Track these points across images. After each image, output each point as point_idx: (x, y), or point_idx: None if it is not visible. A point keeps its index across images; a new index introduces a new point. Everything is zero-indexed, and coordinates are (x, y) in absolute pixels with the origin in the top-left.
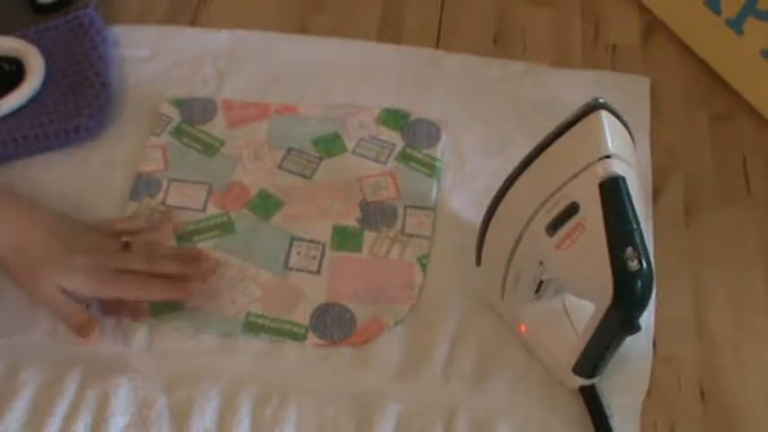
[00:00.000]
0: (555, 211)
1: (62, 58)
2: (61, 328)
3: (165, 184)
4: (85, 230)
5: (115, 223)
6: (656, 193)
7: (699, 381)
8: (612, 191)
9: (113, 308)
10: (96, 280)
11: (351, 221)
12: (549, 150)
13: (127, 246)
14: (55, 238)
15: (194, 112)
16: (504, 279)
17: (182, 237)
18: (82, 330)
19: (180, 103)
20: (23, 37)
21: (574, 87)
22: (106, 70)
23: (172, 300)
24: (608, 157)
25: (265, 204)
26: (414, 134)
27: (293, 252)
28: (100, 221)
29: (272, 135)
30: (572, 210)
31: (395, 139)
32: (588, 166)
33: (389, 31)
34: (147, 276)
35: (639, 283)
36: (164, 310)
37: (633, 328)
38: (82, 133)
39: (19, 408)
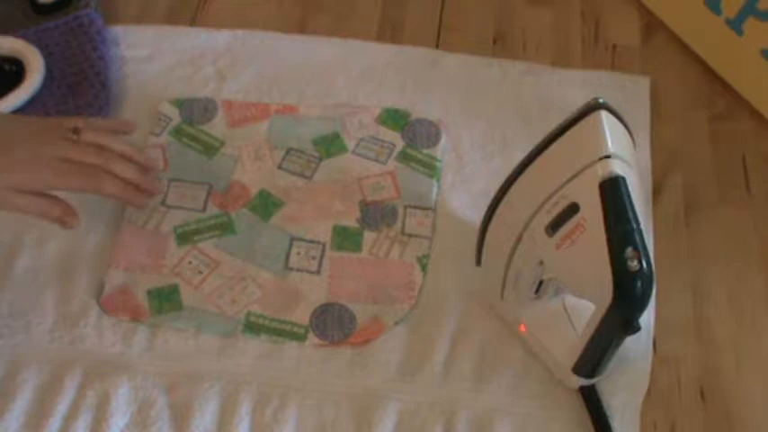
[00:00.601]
0: (555, 211)
1: (62, 58)
2: (61, 328)
3: (165, 184)
4: (27, 119)
5: (70, 120)
6: (656, 193)
7: (699, 381)
8: (612, 191)
9: (113, 308)
10: (41, 171)
11: (351, 221)
12: (549, 150)
13: (77, 131)
14: None
15: (194, 112)
16: (504, 279)
17: (182, 237)
18: (63, 222)
19: (180, 103)
20: (24, 37)
21: (574, 87)
22: (106, 70)
23: (122, 200)
24: (608, 157)
25: (265, 204)
26: (414, 134)
27: (293, 252)
28: (50, 118)
29: (272, 135)
30: (572, 210)
31: (395, 139)
32: (588, 166)
33: (389, 31)
34: (98, 169)
35: (639, 283)
36: (164, 309)
37: (633, 328)
38: None
39: (19, 408)
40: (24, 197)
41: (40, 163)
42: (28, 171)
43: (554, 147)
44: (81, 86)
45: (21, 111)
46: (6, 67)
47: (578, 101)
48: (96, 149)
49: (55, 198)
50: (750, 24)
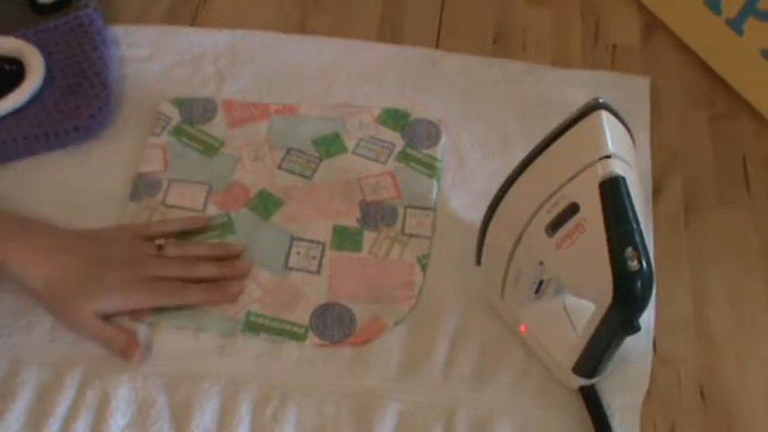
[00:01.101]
0: (555, 211)
1: (62, 58)
2: (61, 327)
3: (164, 184)
4: (114, 242)
5: (148, 228)
6: (656, 193)
7: (699, 381)
8: (612, 191)
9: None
10: (132, 294)
11: (351, 221)
12: (549, 150)
13: (161, 248)
14: (83, 261)
15: (194, 111)
16: (504, 279)
17: (182, 237)
18: (125, 353)
19: (180, 103)
20: (24, 37)
21: (574, 87)
22: (106, 70)
23: (211, 303)
24: (608, 157)
25: (265, 204)
26: (414, 134)
27: (293, 252)
28: (131, 225)
29: (272, 135)
30: (572, 210)
31: (395, 139)
32: (588, 166)
33: (389, 31)
34: (184, 281)
35: (639, 283)
36: (164, 309)
37: (633, 328)
38: (82, 133)
39: (19, 408)
40: (100, 322)
41: (130, 287)
42: (119, 296)
43: (554, 147)
44: (81, 86)
45: (21, 110)
46: (6, 67)
47: (578, 101)
48: (181, 263)
49: (122, 328)
50: (750, 24)
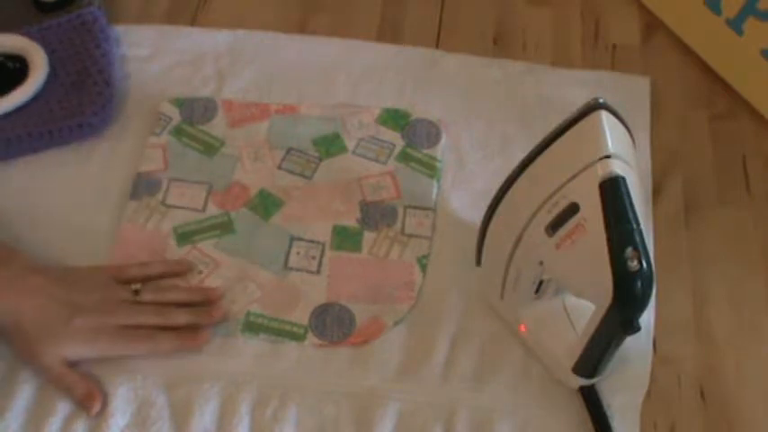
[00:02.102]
0: (555, 212)
1: (66, 55)
2: None
3: (165, 183)
4: (89, 285)
5: (127, 270)
6: (656, 193)
7: (699, 381)
8: (612, 191)
9: None
10: (99, 344)
11: (351, 221)
12: (549, 150)
13: (137, 293)
14: (54, 303)
15: (194, 111)
16: (504, 279)
17: (182, 236)
18: (83, 404)
19: (180, 103)
20: (27, 35)
21: (574, 87)
22: (109, 68)
23: (182, 350)
24: (608, 157)
25: (265, 204)
26: (414, 134)
27: (293, 252)
28: (109, 267)
29: (272, 135)
30: (572, 210)
31: (395, 139)
32: (588, 166)
33: (389, 31)
34: (154, 331)
35: (639, 283)
36: None
37: (633, 328)
38: (86, 130)
39: (19, 407)
40: (63, 368)
41: (98, 336)
42: (84, 345)
43: (554, 147)
44: (84, 84)
45: (24, 108)
46: (10, 64)
47: (578, 101)
48: (155, 310)
49: (84, 377)
50: (750, 24)
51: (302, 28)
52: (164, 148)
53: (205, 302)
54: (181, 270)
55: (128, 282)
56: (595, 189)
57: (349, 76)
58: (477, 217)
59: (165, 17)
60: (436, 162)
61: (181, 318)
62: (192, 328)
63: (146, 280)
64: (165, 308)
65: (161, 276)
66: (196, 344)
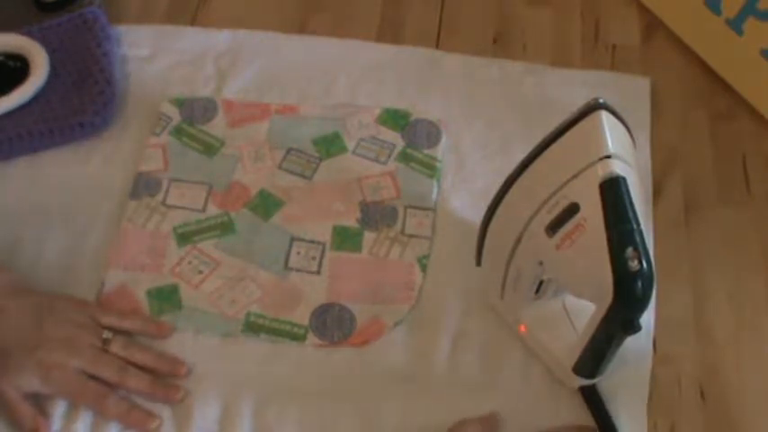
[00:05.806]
0: (555, 212)
1: (66, 54)
2: None
3: (165, 183)
4: (62, 320)
5: (107, 315)
6: (656, 193)
7: (699, 381)
8: (612, 191)
9: (113, 307)
10: (53, 385)
11: (351, 222)
12: (549, 150)
13: (106, 342)
14: (21, 332)
15: (195, 111)
16: (504, 279)
17: (182, 236)
18: None
19: (180, 103)
20: (28, 34)
21: (574, 87)
22: (110, 67)
23: (126, 422)
24: (608, 157)
25: (265, 204)
26: (414, 134)
27: (293, 252)
28: (91, 305)
29: (272, 135)
30: (572, 210)
31: (395, 139)
32: (588, 167)
33: (389, 31)
34: (109, 390)
35: (639, 284)
36: (163, 309)
37: (633, 328)
38: (87, 129)
39: None
40: (17, 397)
41: (54, 376)
42: (39, 381)
43: (554, 147)
44: (85, 83)
45: (26, 107)
46: (11, 63)
47: (578, 101)
48: (118, 365)
49: (36, 413)
50: (750, 24)
51: (302, 28)
52: (164, 148)
53: (170, 374)
54: (160, 334)
55: (102, 327)
56: (595, 189)
57: (349, 76)
58: (477, 217)
59: (165, 17)
60: (436, 162)
61: (140, 383)
62: (143, 410)
63: (121, 331)
64: (127, 367)
65: (136, 332)
66: (143, 427)
